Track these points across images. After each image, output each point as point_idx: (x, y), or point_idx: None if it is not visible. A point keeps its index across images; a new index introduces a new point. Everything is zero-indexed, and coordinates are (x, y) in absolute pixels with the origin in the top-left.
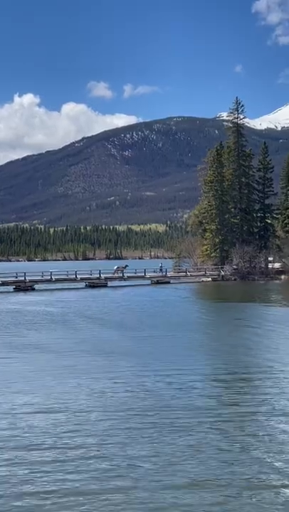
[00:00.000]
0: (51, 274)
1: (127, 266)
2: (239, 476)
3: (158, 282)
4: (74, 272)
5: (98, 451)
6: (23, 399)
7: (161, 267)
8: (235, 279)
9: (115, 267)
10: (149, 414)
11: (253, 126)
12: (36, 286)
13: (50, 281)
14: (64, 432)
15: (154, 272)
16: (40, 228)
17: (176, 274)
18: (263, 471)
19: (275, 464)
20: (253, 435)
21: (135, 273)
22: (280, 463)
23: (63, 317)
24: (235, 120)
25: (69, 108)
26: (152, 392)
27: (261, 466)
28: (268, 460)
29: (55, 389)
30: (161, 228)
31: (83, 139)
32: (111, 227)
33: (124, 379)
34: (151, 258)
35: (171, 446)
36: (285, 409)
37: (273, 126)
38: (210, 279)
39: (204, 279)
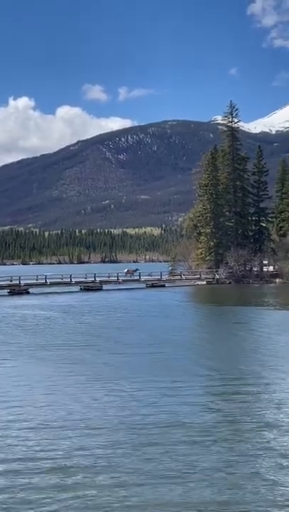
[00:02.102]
0: (46, 278)
1: (137, 269)
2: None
3: (153, 286)
4: (69, 276)
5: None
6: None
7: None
8: (230, 283)
9: (126, 270)
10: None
11: (247, 130)
12: (31, 290)
13: (44, 284)
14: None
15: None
16: (35, 232)
17: (171, 278)
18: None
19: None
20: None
21: (130, 277)
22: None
23: (55, 322)
24: (230, 124)
25: (64, 111)
26: (145, 402)
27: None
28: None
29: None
30: (156, 232)
31: (78, 142)
32: (106, 230)
33: (118, 389)
34: (146, 261)
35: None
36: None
37: (268, 130)
38: (205, 282)
39: (199, 282)
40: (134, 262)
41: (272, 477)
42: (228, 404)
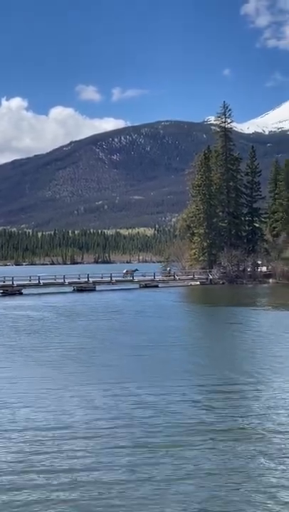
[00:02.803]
0: (39, 279)
1: (136, 269)
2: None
3: (146, 286)
4: (62, 276)
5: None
6: None
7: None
8: (223, 283)
9: (124, 270)
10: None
11: (240, 131)
12: (24, 291)
13: (38, 285)
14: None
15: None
16: (28, 232)
17: (164, 278)
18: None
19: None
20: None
21: (123, 277)
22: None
23: (48, 322)
24: (223, 124)
25: (57, 112)
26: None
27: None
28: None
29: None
30: (150, 232)
31: (71, 143)
32: (99, 231)
33: (113, 390)
34: (139, 262)
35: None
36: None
37: (261, 131)
38: (198, 282)
39: (192, 282)
40: (127, 262)
41: (268, 479)
42: (222, 404)
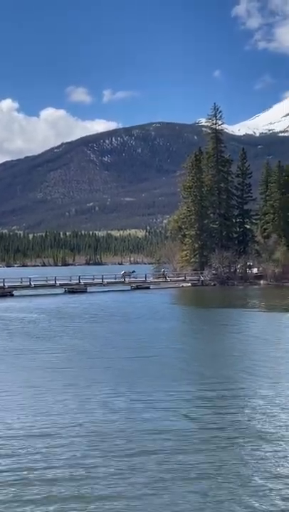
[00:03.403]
0: (30, 280)
1: (134, 271)
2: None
3: (137, 288)
4: (53, 278)
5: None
6: None
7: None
8: (214, 284)
9: (122, 272)
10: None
11: (231, 132)
12: (15, 292)
13: (29, 287)
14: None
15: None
16: (20, 234)
17: (155, 280)
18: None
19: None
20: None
21: (115, 278)
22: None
23: (40, 324)
24: (214, 126)
25: (48, 113)
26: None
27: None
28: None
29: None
30: (141, 234)
31: (62, 144)
32: (90, 232)
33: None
34: (130, 263)
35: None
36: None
37: (252, 132)
38: (189, 284)
39: (184, 284)
40: (119, 264)
41: (259, 485)
42: (211, 411)
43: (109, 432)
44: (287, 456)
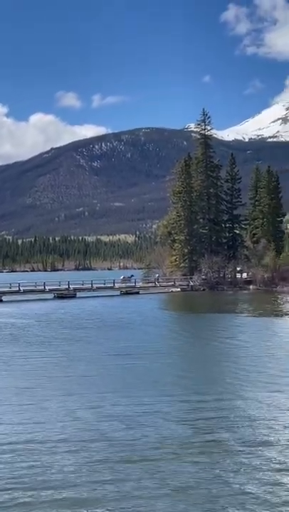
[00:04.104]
0: (19, 286)
1: (132, 276)
2: None
3: (127, 293)
4: (42, 283)
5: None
6: None
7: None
8: (204, 290)
9: (122, 277)
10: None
11: (220, 138)
12: (4, 298)
13: (18, 292)
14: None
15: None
16: (8, 239)
17: (145, 285)
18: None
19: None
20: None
21: (104, 284)
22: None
23: (29, 330)
24: (203, 131)
25: (37, 118)
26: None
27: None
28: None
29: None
30: (130, 239)
31: (52, 149)
32: (80, 237)
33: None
34: (120, 269)
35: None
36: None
37: (241, 138)
38: (179, 289)
39: (173, 289)
40: (108, 269)
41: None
42: (202, 417)
43: (96, 439)
44: (281, 464)
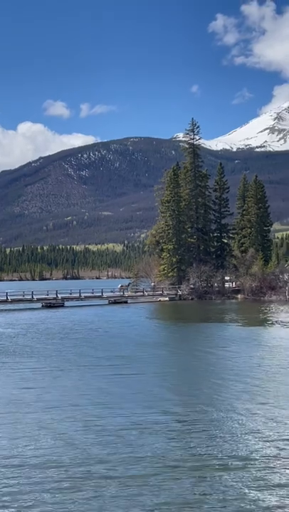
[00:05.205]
0: (7, 295)
1: (130, 284)
2: None
3: (115, 302)
4: (30, 293)
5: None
6: None
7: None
8: (192, 299)
9: (119, 285)
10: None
11: (209, 147)
12: None
13: (5, 301)
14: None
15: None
16: None
17: (133, 294)
18: None
19: None
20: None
21: (92, 293)
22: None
23: (16, 340)
24: (191, 141)
25: (25, 127)
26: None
27: None
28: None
29: None
30: (119, 248)
31: (40, 158)
32: (68, 246)
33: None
34: (108, 278)
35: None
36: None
37: (229, 147)
38: (167, 298)
39: (162, 298)
40: (96, 278)
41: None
42: (189, 429)
43: (86, 456)
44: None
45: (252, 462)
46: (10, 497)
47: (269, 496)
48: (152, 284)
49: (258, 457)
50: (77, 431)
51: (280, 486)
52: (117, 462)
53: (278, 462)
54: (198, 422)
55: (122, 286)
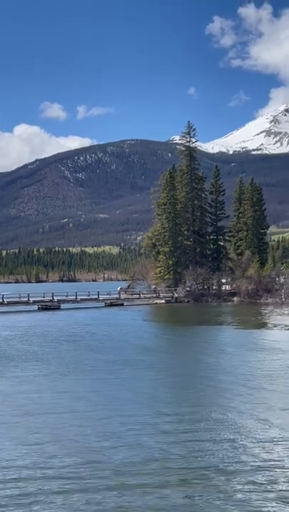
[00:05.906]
0: (3, 297)
1: (129, 286)
2: None
3: (112, 305)
4: (26, 295)
5: None
6: None
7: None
8: (188, 301)
9: (119, 288)
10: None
11: (205, 150)
12: None
13: (2, 304)
14: None
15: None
16: None
17: (129, 296)
18: None
19: None
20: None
21: (88, 295)
22: None
23: (12, 343)
24: (188, 144)
25: (22, 129)
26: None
27: None
28: None
29: None
30: (115, 250)
31: (36, 160)
32: (64, 249)
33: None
34: (104, 280)
35: None
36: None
37: (225, 150)
38: (163, 301)
39: (158, 301)
40: (93, 280)
41: None
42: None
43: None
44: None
45: (251, 466)
46: (10, 499)
47: (266, 497)
48: (153, 286)
49: (257, 461)
50: (77, 435)
51: (277, 489)
52: (117, 462)
53: (272, 463)
54: (196, 423)
55: (121, 288)
